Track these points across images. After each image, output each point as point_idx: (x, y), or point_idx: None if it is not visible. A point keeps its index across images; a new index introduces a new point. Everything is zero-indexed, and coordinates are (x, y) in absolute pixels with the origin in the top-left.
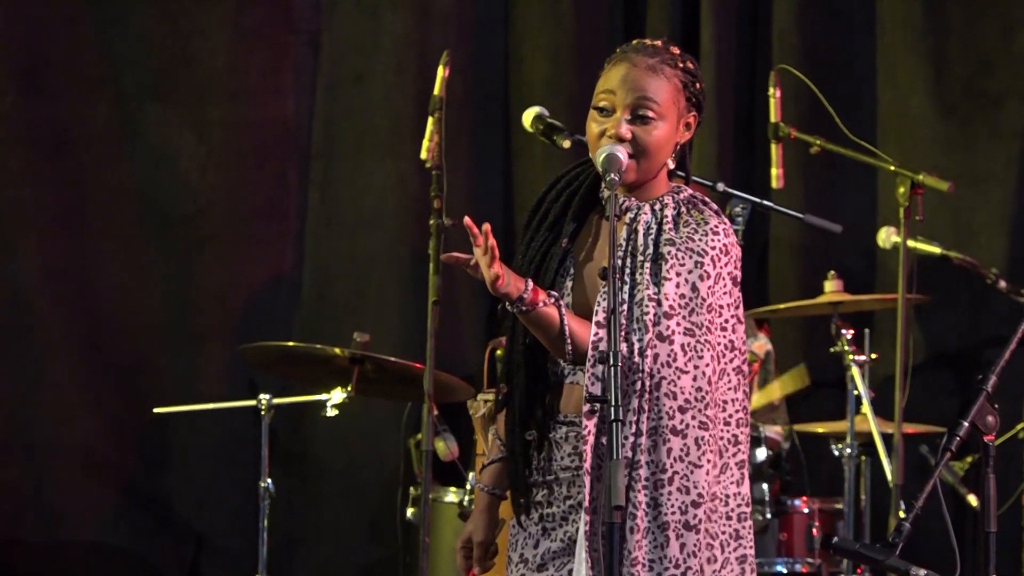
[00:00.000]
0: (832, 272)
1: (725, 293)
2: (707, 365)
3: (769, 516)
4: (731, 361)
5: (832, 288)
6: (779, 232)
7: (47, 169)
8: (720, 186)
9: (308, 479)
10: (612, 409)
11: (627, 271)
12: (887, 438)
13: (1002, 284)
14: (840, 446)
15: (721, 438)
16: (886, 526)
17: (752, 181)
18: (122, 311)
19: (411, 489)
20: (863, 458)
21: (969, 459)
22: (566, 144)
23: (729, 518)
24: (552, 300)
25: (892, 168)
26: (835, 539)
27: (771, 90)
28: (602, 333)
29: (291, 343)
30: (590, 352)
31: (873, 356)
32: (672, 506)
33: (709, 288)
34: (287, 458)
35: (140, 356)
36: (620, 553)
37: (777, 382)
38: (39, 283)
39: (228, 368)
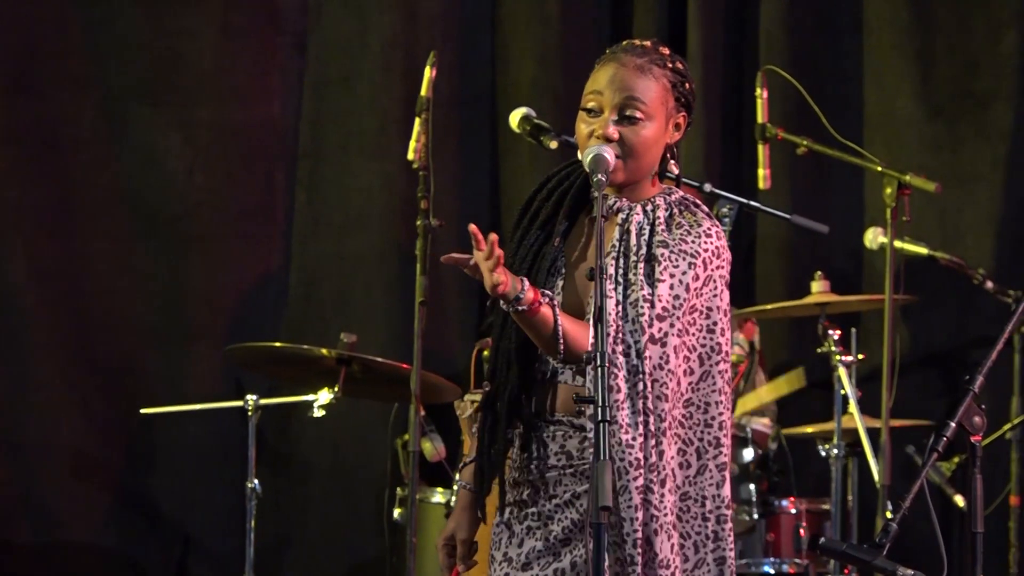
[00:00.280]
0: (819, 273)
1: (715, 295)
2: (699, 367)
3: (756, 516)
4: (716, 364)
5: (819, 289)
6: (766, 233)
7: (34, 170)
8: (707, 187)
9: (295, 480)
10: (599, 410)
11: (620, 272)
12: (874, 438)
13: (989, 285)
14: (827, 447)
15: (702, 439)
16: (873, 527)
17: (739, 182)
18: (110, 312)
19: (398, 490)
20: (850, 458)
21: (956, 459)
22: (553, 145)
23: (706, 519)
24: (547, 300)
25: (879, 169)
26: (822, 539)
27: (758, 91)
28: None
29: (278, 344)
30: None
31: (860, 356)
32: (665, 507)
33: (697, 290)
34: (274, 459)
35: (128, 357)
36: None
37: (771, 384)
38: (26, 284)
39: (215, 369)
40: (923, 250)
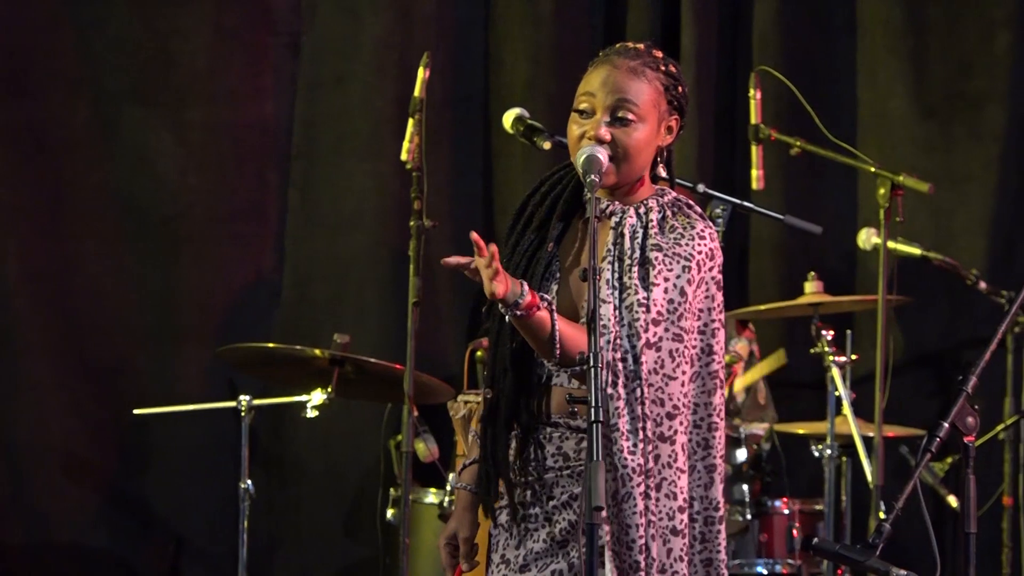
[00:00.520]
0: (812, 273)
1: (707, 297)
2: (694, 371)
3: (749, 517)
4: (707, 365)
5: (812, 289)
6: (759, 233)
7: (26, 170)
8: (701, 187)
9: (288, 480)
10: (592, 410)
11: (615, 275)
12: (867, 439)
13: (982, 285)
14: (820, 447)
15: (690, 441)
16: (866, 527)
17: (733, 182)
18: (102, 312)
19: (391, 490)
20: (843, 459)
21: (949, 460)
22: (546, 145)
23: (694, 520)
24: (544, 304)
25: (872, 169)
26: (815, 540)
27: (751, 91)
28: (600, 342)
29: (271, 344)
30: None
31: (853, 357)
32: (661, 512)
33: (695, 293)
34: (267, 459)
35: (120, 357)
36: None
37: (756, 366)
38: (18, 285)
39: (208, 369)
40: (916, 251)
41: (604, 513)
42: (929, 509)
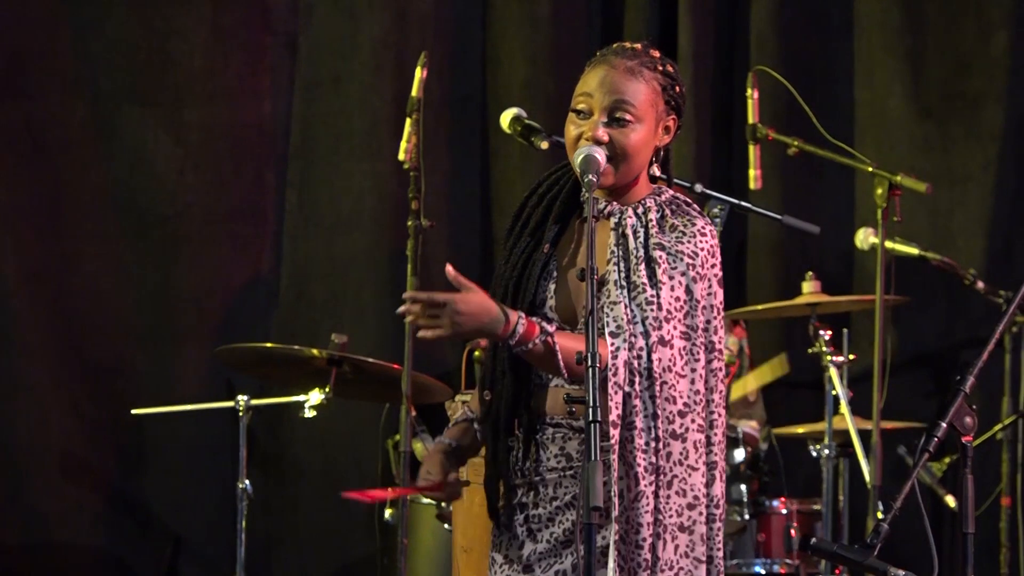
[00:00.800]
0: (810, 273)
1: (709, 294)
2: (702, 367)
3: (747, 517)
4: (710, 362)
5: (810, 289)
6: (757, 233)
7: (24, 170)
8: (698, 187)
9: (286, 480)
10: (590, 411)
11: (623, 275)
12: (865, 439)
13: (980, 285)
14: (818, 447)
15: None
16: (864, 527)
17: (730, 182)
18: (100, 313)
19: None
20: (841, 459)
21: (947, 460)
22: (544, 145)
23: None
24: (543, 337)
25: (870, 169)
26: (813, 540)
27: (749, 91)
28: (617, 342)
29: (269, 344)
30: (615, 362)
31: (851, 357)
32: (671, 509)
33: (700, 290)
34: (265, 459)
35: (118, 357)
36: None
37: (755, 372)
38: (16, 285)
39: (206, 369)
40: (914, 250)
41: (615, 512)
42: (927, 509)
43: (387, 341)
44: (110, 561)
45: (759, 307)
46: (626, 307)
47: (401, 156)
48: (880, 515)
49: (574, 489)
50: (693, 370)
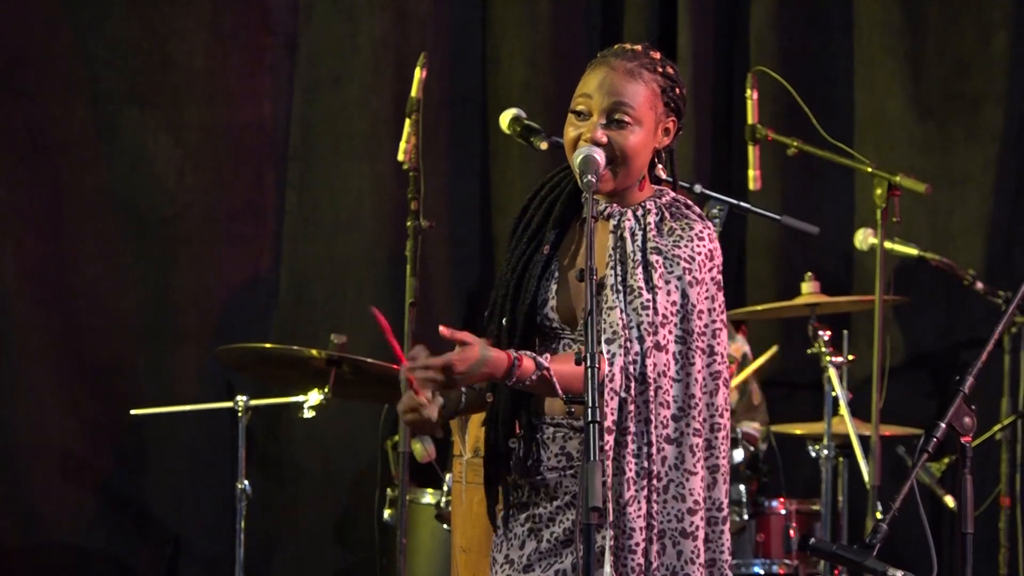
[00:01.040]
0: (809, 274)
1: (708, 298)
2: (698, 372)
3: (746, 517)
4: (709, 365)
5: (809, 290)
6: (756, 234)
7: (24, 171)
8: (697, 188)
9: (285, 481)
10: (589, 411)
11: (619, 279)
12: (864, 439)
13: (979, 285)
14: (817, 447)
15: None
16: (863, 527)
17: (729, 183)
18: (99, 313)
19: (388, 491)
20: (840, 459)
21: (946, 460)
22: (543, 146)
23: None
24: (537, 375)
25: (869, 170)
26: (812, 540)
27: (748, 92)
28: (613, 348)
29: (268, 345)
30: (612, 369)
31: (850, 357)
32: (669, 514)
33: (697, 295)
34: (264, 460)
35: (117, 358)
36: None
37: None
38: (16, 285)
39: (205, 370)
40: (913, 251)
41: (611, 516)
42: (926, 509)
43: (386, 342)
44: (109, 561)
45: (758, 308)
46: (622, 312)
47: (400, 157)
48: (879, 515)
49: (575, 488)
50: (688, 374)
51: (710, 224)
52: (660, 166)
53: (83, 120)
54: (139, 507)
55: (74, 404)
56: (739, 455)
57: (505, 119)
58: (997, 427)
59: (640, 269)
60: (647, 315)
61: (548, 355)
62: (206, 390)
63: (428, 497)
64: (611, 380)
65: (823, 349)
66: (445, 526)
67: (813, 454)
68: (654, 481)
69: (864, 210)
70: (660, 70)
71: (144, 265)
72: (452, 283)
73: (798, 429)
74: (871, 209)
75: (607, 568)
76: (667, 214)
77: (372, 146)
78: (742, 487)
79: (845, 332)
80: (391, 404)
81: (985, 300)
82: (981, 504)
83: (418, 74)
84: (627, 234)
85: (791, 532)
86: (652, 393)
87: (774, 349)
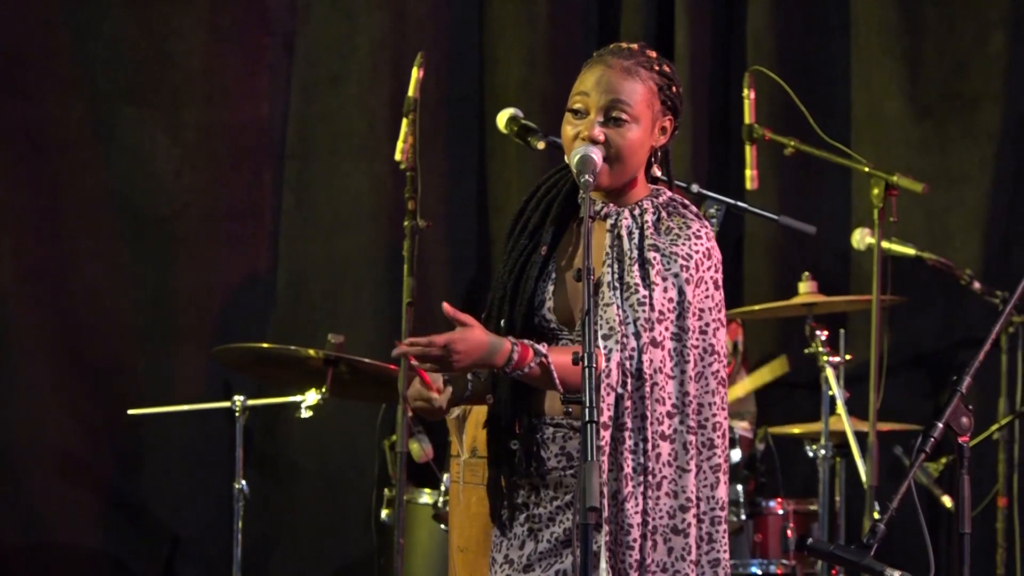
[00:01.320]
0: (806, 273)
1: (706, 297)
2: (693, 369)
3: (743, 517)
4: (709, 365)
5: (806, 289)
6: (753, 233)
7: (22, 171)
8: (695, 187)
9: (283, 481)
10: (587, 411)
11: (615, 276)
12: (862, 439)
13: (976, 285)
14: (814, 447)
15: (695, 441)
16: (860, 527)
17: (727, 182)
18: (97, 313)
19: (386, 490)
20: (837, 459)
21: (943, 460)
22: (540, 146)
23: (700, 520)
24: (538, 360)
25: (866, 170)
26: (809, 540)
27: (745, 92)
28: (610, 344)
29: (266, 345)
30: (608, 365)
31: (847, 357)
32: (661, 511)
33: (694, 292)
34: (262, 460)
35: (116, 358)
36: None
37: (757, 372)
38: (14, 285)
39: (203, 370)
40: (910, 251)
41: (605, 514)
42: (923, 509)
43: (384, 341)
44: (108, 561)
45: (755, 307)
46: (618, 308)
47: (398, 156)
48: (877, 515)
49: (575, 488)
50: (683, 371)
51: (707, 223)
52: (656, 165)
53: (81, 120)
54: (137, 507)
55: (73, 404)
56: (736, 455)
57: (502, 119)
58: (994, 427)
59: (637, 266)
60: (643, 311)
61: (546, 345)
62: (204, 390)
63: (426, 497)
64: (607, 376)
65: (820, 349)
66: (442, 526)
67: (810, 454)
68: (648, 477)
69: (861, 210)
70: (657, 68)
71: (142, 265)
72: (449, 283)
73: (795, 429)
74: (868, 209)
75: (603, 566)
76: (664, 213)
77: (370, 146)
78: (739, 487)
79: (842, 332)
80: (389, 404)
81: (982, 300)
82: (978, 504)
83: (415, 74)
84: (624, 233)
85: (788, 532)
86: (648, 389)
87: (784, 361)
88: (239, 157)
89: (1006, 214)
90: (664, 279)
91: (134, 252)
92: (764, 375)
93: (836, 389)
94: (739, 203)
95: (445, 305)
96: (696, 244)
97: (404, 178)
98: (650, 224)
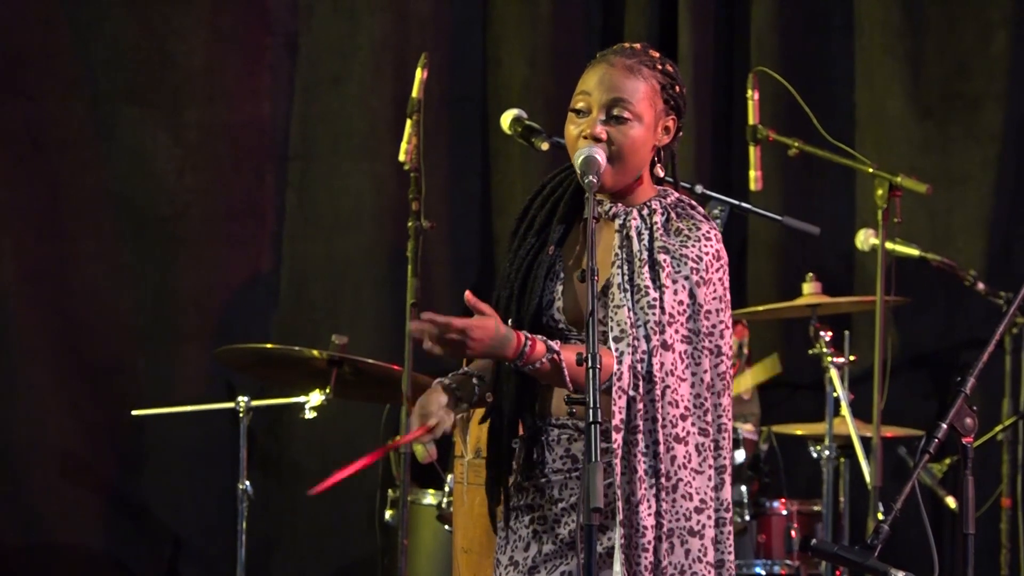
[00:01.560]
0: (810, 274)
1: (715, 298)
2: (705, 372)
3: (747, 518)
4: (716, 366)
5: (810, 290)
6: (757, 234)
7: (23, 171)
8: (699, 188)
9: (286, 481)
10: (591, 411)
11: (626, 278)
12: (865, 440)
13: (980, 286)
14: (818, 448)
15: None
16: (864, 528)
17: (730, 183)
18: (99, 313)
19: (389, 491)
20: (841, 460)
21: (947, 461)
22: (544, 146)
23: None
24: (549, 356)
25: (870, 170)
26: (813, 541)
27: (749, 92)
28: (621, 347)
29: (269, 345)
30: (620, 367)
31: (851, 358)
32: (677, 513)
33: (704, 294)
34: (265, 460)
35: (117, 358)
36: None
37: (748, 372)
38: (15, 285)
39: (206, 370)
40: (914, 251)
41: (620, 516)
42: (927, 510)
43: (387, 342)
44: (110, 562)
45: (759, 308)
46: (629, 311)
47: (401, 157)
48: (881, 516)
49: (579, 490)
50: (695, 374)
51: (715, 225)
52: (659, 165)
53: (82, 120)
54: (139, 507)
55: (74, 404)
56: (740, 456)
57: (506, 119)
58: (998, 428)
59: (647, 268)
60: (654, 314)
61: (559, 342)
62: (207, 391)
63: (429, 498)
64: (619, 378)
65: (824, 350)
66: (446, 527)
67: (814, 455)
68: (663, 480)
69: (865, 210)
70: (659, 67)
71: (144, 265)
72: (453, 283)
73: (799, 430)
74: (872, 209)
75: (617, 567)
76: (673, 214)
77: (372, 146)
78: (743, 488)
79: (846, 333)
80: (392, 405)
81: (986, 301)
82: (982, 505)
83: (419, 74)
84: (633, 233)
85: (792, 533)
86: (659, 392)
87: (775, 362)
88: (240, 157)
89: (1009, 214)
90: (675, 281)
91: (135, 252)
92: (757, 375)
93: (840, 390)
94: (743, 204)
95: (468, 294)
96: (706, 246)
97: (406, 178)
98: (659, 225)
